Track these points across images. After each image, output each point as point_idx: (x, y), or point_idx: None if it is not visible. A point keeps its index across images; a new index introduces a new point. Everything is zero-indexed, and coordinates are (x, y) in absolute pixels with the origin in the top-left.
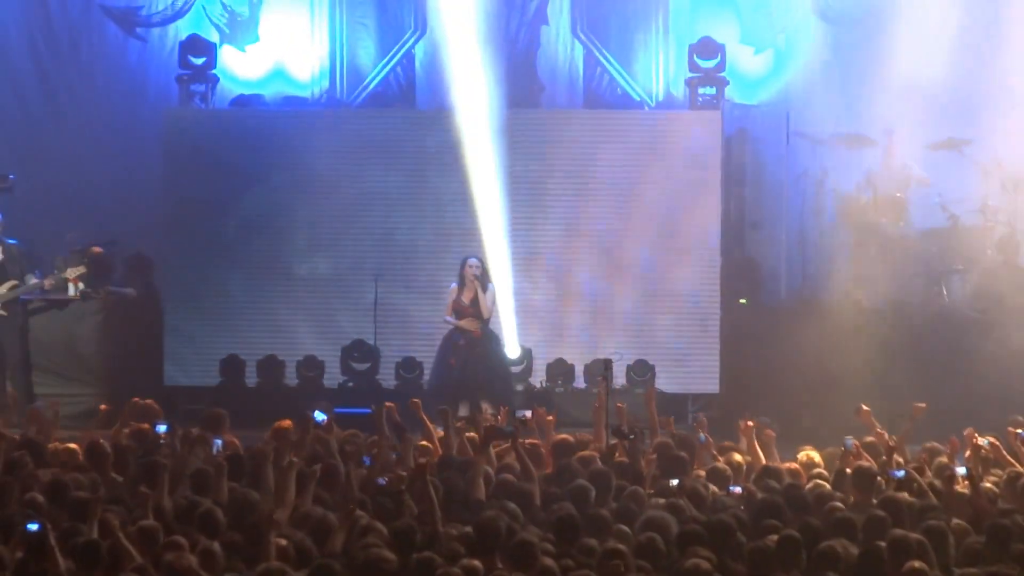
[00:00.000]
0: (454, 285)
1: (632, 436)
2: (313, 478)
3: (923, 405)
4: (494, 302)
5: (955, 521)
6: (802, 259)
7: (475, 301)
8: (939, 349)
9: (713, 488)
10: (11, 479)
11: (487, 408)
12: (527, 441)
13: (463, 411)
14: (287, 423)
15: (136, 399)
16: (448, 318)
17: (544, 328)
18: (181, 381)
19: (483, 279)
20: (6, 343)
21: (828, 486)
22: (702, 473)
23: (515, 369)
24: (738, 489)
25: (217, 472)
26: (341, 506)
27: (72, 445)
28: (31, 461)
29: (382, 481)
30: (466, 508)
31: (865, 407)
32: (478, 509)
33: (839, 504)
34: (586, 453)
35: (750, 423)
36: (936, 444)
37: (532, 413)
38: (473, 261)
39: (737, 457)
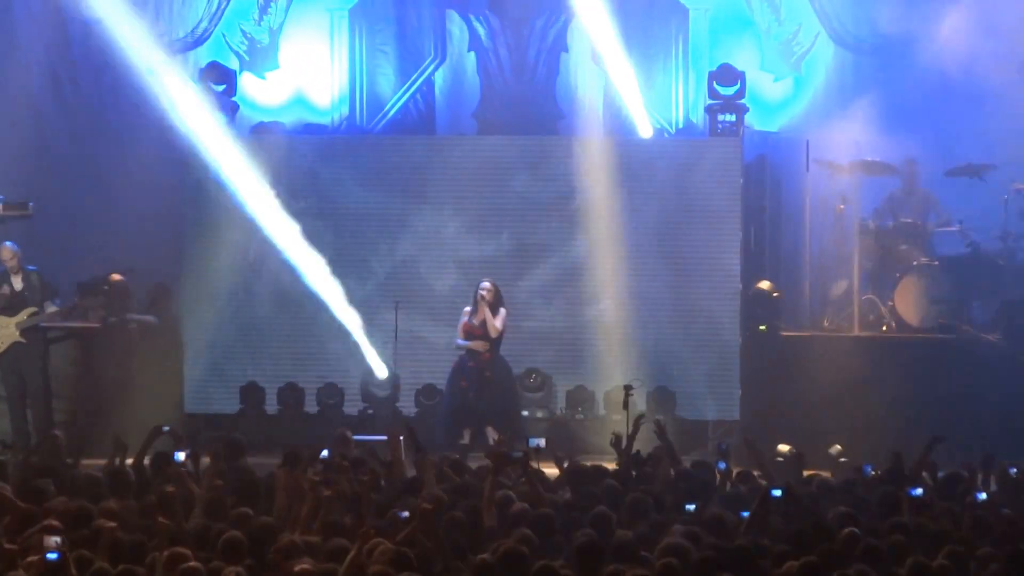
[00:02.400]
0: (467, 308)
1: (649, 461)
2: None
3: (941, 437)
4: (503, 324)
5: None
6: (822, 286)
7: (484, 323)
8: (960, 377)
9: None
10: (32, 507)
11: (492, 433)
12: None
13: (466, 438)
14: (299, 449)
15: (157, 426)
16: (459, 341)
17: (564, 356)
18: (202, 408)
19: (495, 303)
20: (26, 371)
21: (847, 510)
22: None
23: (532, 396)
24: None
25: (226, 497)
26: (360, 533)
27: (93, 472)
28: (53, 488)
29: (404, 514)
30: (477, 537)
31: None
32: (490, 537)
33: (858, 530)
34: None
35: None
36: (957, 470)
37: (546, 442)
38: (485, 284)
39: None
